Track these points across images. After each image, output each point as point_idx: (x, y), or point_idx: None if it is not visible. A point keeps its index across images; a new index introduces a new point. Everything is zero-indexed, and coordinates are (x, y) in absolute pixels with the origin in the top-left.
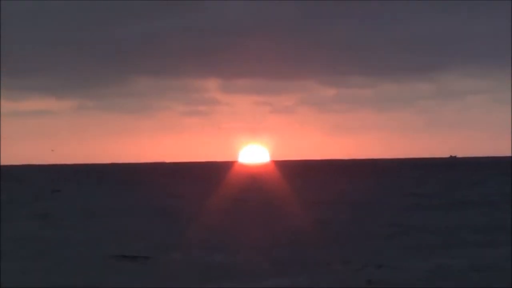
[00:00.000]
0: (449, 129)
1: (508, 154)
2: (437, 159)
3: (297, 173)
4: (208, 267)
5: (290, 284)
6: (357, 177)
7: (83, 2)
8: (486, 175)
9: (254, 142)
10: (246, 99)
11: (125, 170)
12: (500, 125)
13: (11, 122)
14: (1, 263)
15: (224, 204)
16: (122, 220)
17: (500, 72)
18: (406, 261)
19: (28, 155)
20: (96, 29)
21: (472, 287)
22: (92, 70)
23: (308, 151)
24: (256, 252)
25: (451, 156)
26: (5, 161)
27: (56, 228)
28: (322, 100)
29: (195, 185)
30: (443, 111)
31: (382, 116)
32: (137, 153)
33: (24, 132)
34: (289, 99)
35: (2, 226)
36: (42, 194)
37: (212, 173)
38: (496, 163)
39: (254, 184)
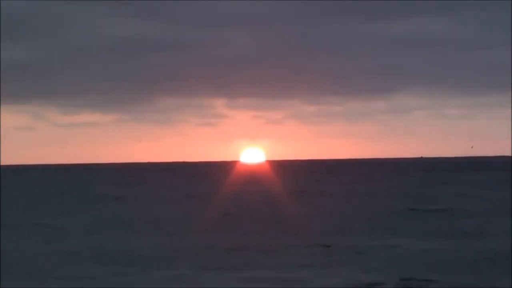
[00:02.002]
0: (399, 136)
1: (444, 155)
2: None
3: (287, 170)
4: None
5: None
6: (331, 172)
7: (124, 42)
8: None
9: (252, 146)
10: (246, 114)
11: (155, 167)
12: (437, 133)
13: (69, 132)
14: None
15: (230, 194)
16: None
17: (437, 93)
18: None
19: (82, 156)
20: (132, 62)
21: None
22: (129, 92)
23: (294, 153)
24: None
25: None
26: (63, 161)
27: None
28: (304, 114)
29: (208, 178)
30: (395, 123)
31: (350, 127)
32: (163, 154)
33: (78, 138)
34: (279, 113)
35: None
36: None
37: (220, 170)
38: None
39: (252, 178)
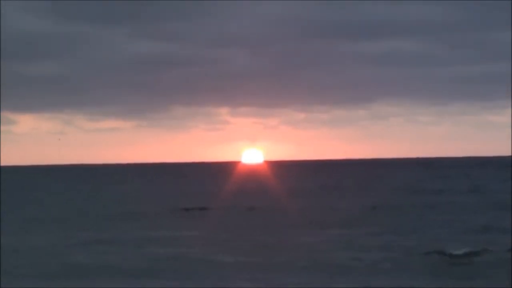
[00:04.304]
0: (378, 139)
1: (415, 156)
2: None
3: (283, 169)
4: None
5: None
6: (318, 172)
7: (142, 59)
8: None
9: (252, 148)
10: (247, 120)
11: (170, 166)
12: (410, 137)
13: (94, 136)
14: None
15: (233, 187)
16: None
17: (410, 102)
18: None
19: (104, 156)
20: (149, 76)
21: None
22: (147, 102)
23: (287, 153)
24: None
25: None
26: (89, 161)
27: None
28: (295, 121)
29: (215, 174)
30: (375, 128)
31: (335, 132)
32: (176, 155)
33: (102, 141)
34: (274, 120)
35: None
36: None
37: (224, 169)
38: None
39: (252, 175)
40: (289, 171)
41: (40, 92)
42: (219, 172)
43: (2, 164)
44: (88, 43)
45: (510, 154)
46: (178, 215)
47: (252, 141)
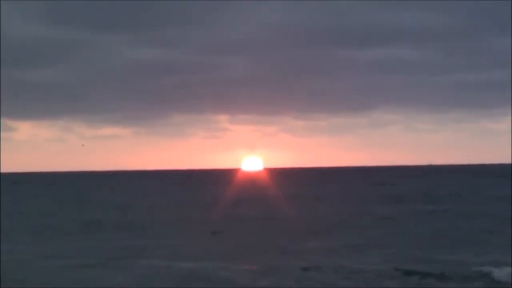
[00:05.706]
0: (377, 147)
1: (412, 164)
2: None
3: (282, 176)
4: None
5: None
6: (316, 179)
7: (141, 66)
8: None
9: (251, 155)
10: (245, 128)
11: (168, 174)
12: (410, 144)
13: (94, 143)
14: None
15: (233, 194)
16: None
17: (409, 110)
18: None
19: (103, 163)
20: (148, 83)
21: None
22: (145, 109)
23: (286, 161)
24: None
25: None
26: (87, 168)
27: None
28: (294, 129)
29: (214, 182)
30: (373, 136)
31: (333, 139)
32: (174, 163)
33: (101, 148)
34: (273, 128)
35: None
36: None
37: (224, 176)
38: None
39: (252, 182)
40: (288, 179)
41: (39, 99)
42: (219, 179)
43: (2, 170)
44: (87, 50)
45: (510, 162)
46: (176, 224)
47: (251, 149)
